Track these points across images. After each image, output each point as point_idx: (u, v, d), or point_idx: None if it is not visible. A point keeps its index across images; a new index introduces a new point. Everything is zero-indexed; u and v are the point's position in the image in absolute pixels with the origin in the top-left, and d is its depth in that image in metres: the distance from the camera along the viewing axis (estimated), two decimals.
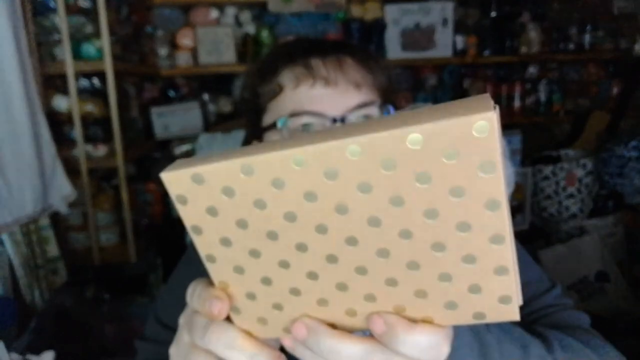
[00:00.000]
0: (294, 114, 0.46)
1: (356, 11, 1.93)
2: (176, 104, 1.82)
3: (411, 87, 2.13)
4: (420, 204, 0.19)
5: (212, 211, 0.22)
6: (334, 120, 0.46)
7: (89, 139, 1.35)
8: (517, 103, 2.16)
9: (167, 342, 0.31)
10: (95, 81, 1.40)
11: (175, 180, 0.21)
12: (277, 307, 0.25)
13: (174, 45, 1.84)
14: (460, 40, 2.02)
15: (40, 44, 1.26)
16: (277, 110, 0.49)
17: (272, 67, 0.50)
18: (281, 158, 0.19)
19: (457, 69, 2.13)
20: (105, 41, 1.29)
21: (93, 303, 1.27)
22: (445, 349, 0.24)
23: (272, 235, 0.22)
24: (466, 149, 0.17)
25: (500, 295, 0.22)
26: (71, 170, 1.26)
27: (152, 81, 1.86)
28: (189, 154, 1.68)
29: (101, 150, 1.38)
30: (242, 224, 0.22)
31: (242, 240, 0.22)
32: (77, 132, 1.31)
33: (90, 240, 1.37)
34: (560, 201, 1.75)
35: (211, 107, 1.91)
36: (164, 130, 1.77)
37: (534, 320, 0.48)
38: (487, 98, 0.18)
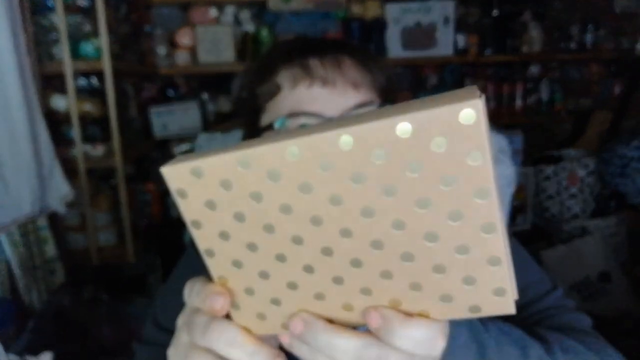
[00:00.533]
0: (291, 115, 0.46)
1: (356, 10, 1.92)
2: (175, 104, 1.81)
3: (412, 86, 2.12)
4: (412, 193, 0.20)
5: (210, 205, 0.22)
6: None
7: (87, 138, 1.35)
8: (518, 102, 2.15)
9: (165, 345, 0.30)
10: (94, 80, 1.39)
11: (175, 174, 0.22)
12: (275, 302, 0.25)
13: (173, 44, 1.83)
14: (461, 39, 2.01)
15: (38, 43, 1.25)
16: (274, 110, 0.48)
17: (269, 66, 0.49)
18: (276, 150, 0.20)
19: (458, 68, 2.12)
20: (103, 40, 1.29)
21: (91, 303, 1.27)
22: (440, 343, 0.24)
23: (269, 228, 0.22)
24: (454, 136, 0.18)
25: (495, 287, 0.22)
26: (69, 170, 1.25)
27: (151, 80, 1.85)
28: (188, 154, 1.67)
29: (99, 150, 1.37)
30: (239, 217, 0.22)
31: (239, 234, 0.23)
32: (76, 131, 1.30)
33: (89, 240, 1.37)
34: (562, 201, 1.74)
35: (210, 107, 1.91)
36: (162, 130, 1.76)
37: (535, 322, 0.47)
38: (473, 89, 0.19)
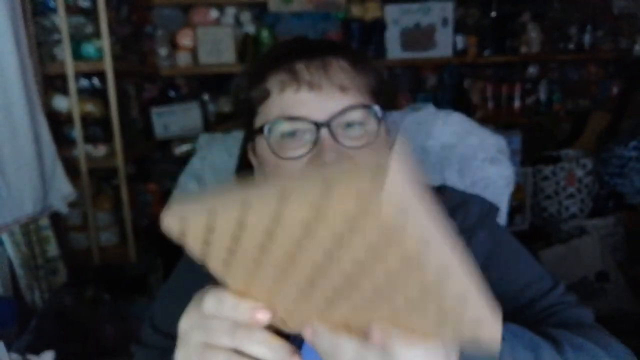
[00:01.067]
0: (279, 119, 0.47)
1: (356, 11, 1.93)
2: (176, 104, 1.82)
3: (411, 87, 2.13)
4: (352, 255, 0.21)
5: (206, 243, 0.26)
6: (319, 125, 0.46)
7: (89, 139, 1.35)
8: (517, 103, 2.16)
9: (163, 348, 0.32)
10: (95, 81, 1.39)
11: (171, 223, 0.25)
12: (287, 311, 0.29)
13: (174, 45, 1.83)
14: (460, 40, 2.02)
15: (40, 44, 1.26)
16: (265, 114, 0.49)
17: (260, 72, 0.50)
18: (236, 215, 0.23)
19: (457, 68, 2.13)
20: (105, 41, 1.29)
21: (93, 303, 1.27)
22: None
23: (257, 261, 0.25)
24: (370, 214, 0.19)
25: (471, 318, 0.24)
26: (71, 170, 1.26)
27: (152, 81, 1.86)
28: (189, 154, 1.68)
29: (101, 150, 1.38)
30: (231, 252, 0.25)
31: (236, 263, 0.26)
32: (77, 132, 1.31)
33: (90, 240, 1.37)
34: (560, 201, 1.75)
35: (211, 107, 1.91)
36: (164, 130, 1.77)
37: (540, 320, 0.48)
38: (394, 152, 0.19)
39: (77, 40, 1.30)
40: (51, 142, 1.16)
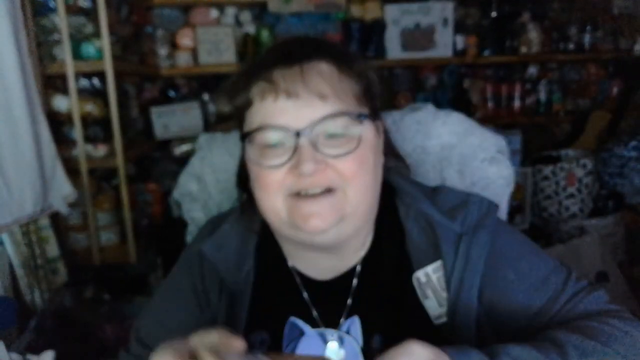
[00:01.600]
0: (259, 128, 0.47)
1: (356, 11, 1.93)
2: (176, 104, 1.82)
3: (411, 87, 2.13)
4: None
5: None
6: (297, 134, 0.45)
7: (89, 139, 1.35)
8: (517, 103, 2.16)
9: None
10: (95, 81, 1.40)
11: None
12: None
13: (174, 45, 1.84)
14: (460, 40, 2.02)
15: (40, 44, 1.26)
16: (249, 122, 0.50)
17: (243, 80, 0.50)
18: None
19: (457, 68, 2.13)
20: (105, 41, 1.29)
21: (93, 303, 1.27)
22: None
23: None
24: None
25: None
26: (71, 170, 1.26)
27: (152, 81, 1.86)
28: (188, 154, 1.68)
29: (101, 150, 1.38)
30: None
31: None
32: (77, 132, 1.31)
33: (90, 240, 1.37)
34: (560, 201, 1.75)
35: (211, 107, 1.91)
36: (164, 130, 1.77)
37: (565, 315, 0.49)
38: None
39: (77, 40, 1.31)
40: (51, 142, 1.16)
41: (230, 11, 1.87)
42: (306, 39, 0.53)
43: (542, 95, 2.19)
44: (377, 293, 0.52)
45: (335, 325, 0.52)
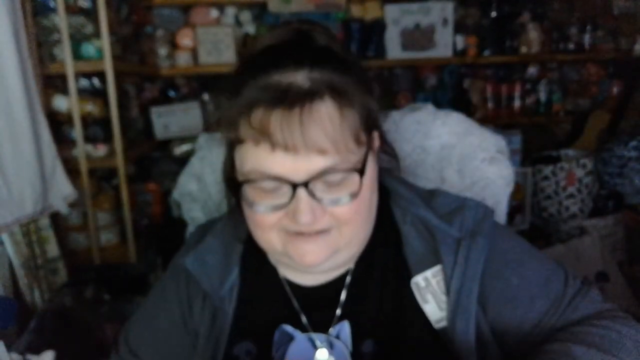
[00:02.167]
0: (254, 178, 0.44)
1: (356, 11, 1.93)
2: (176, 104, 1.82)
3: (411, 87, 2.13)
4: None
5: None
6: (295, 186, 0.43)
7: (89, 139, 1.35)
8: (517, 103, 2.16)
9: None
10: (95, 81, 1.40)
11: None
12: None
13: (174, 45, 1.84)
14: (460, 40, 2.02)
15: (40, 44, 1.26)
16: (240, 157, 0.46)
17: (231, 114, 0.45)
18: None
19: (457, 68, 2.13)
20: (105, 41, 1.29)
21: (93, 303, 1.27)
22: None
23: None
24: None
25: None
26: (71, 170, 1.26)
27: (152, 81, 1.86)
28: (188, 154, 1.68)
29: (101, 150, 1.38)
30: None
31: None
32: (77, 132, 1.31)
33: (90, 240, 1.37)
34: (560, 201, 1.75)
35: (211, 107, 1.91)
36: (164, 130, 1.77)
37: (567, 319, 0.49)
38: None
39: (77, 40, 1.31)
40: (51, 142, 1.16)
41: (230, 11, 1.87)
42: (300, 45, 0.47)
43: (542, 95, 2.19)
44: (369, 297, 0.52)
45: (325, 330, 0.52)
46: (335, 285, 0.53)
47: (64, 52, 1.26)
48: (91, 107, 1.35)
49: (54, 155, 1.17)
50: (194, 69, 1.84)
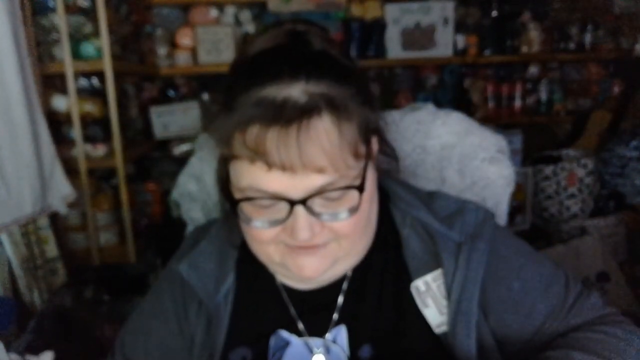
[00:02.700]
0: (253, 193, 0.43)
1: (356, 10, 1.93)
2: (175, 104, 1.82)
3: (411, 87, 2.12)
4: None
5: None
6: (293, 203, 0.42)
7: (88, 138, 1.35)
8: (517, 103, 2.16)
9: None
10: (95, 81, 1.39)
11: None
12: None
13: (173, 45, 1.83)
14: (460, 40, 2.02)
15: (39, 44, 1.26)
16: (235, 171, 0.45)
17: (225, 131, 0.43)
18: None
19: (458, 68, 2.13)
20: (104, 41, 1.29)
21: (92, 303, 1.27)
22: None
23: None
24: None
25: None
26: (70, 170, 1.26)
27: (151, 81, 1.86)
28: (188, 154, 1.68)
29: (100, 150, 1.38)
30: None
31: None
32: (76, 132, 1.31)
33: (90, 240, 1.37)
34: (561, 201, 1.75)
35: (211, 107, 1.91)
36: (163, 130, 1.77)
37: (569, 324, 0.49)
38: None
39: (76, 40, 1.30)
40: (50, 141, 1.16)
41: (230, 10, 1.87)
42: (295, 51, 0.45)
43: (543, 95, 2.19)
44: (367, 301, 0.51)
45: (322, 335, 0.51)
46: (333, 289, 0.52)
47: (63, 51, 1.26)
48: (90, 107, 1.35)
49: (53, 155, 1.17)
50: (193, 69, 1.84)
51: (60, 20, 1.24)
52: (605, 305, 0.51)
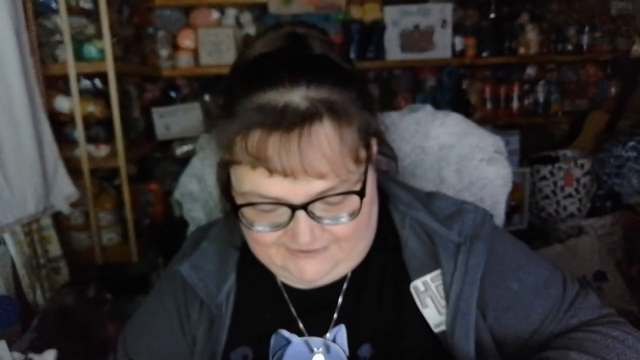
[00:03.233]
0: (254, 198, 0.44)
1: (356, 12, 1.94)
2: (177, 105, 1.83)
3: (410, 88, 2.14)
4: None
5: None
6: (294, 208, 0.43)
7: (90, 139, 1.36)
8: (515, 104, 2.17)
9: None
10: (97, 82, 1.40)
11: None
12: None
13: (175, 46, 1.84)
14: (459, 42, 2.03)
15: (42, 45, 1.26)
16: (236, 176, 0.45)
17: (226, 136, 0.43)
18: None
19: (456, 69, 2.14)
20: (106, 42, 1.30)
21: (95, 302, 1.28)
22: None
23: None
24: None
25: None
26: (73, 170, 1.26)
27: (153, 82, 1.86)
28: (189, 155, 1.69)
29: (103, 150, 1.38)
30: None
31: None
32: (79, 132, 1.32)
33: (92, 240, 1.38)
34: (558, 201, 1.76)
35: (212, 108, 1.92)
36: (165, 131, 1.77)
37: (567, 324, 0.50)
38: None
39: (78, 41, 1.31)
40: (53, 142, 1.17)
41: (231, 12, 1.88)
42: (295, 55, 0.45)
43: (541, 96, 2.20)
44: (367, 301, 0.52)
45: (322, 334, 0.52)
46: (333, 289, 0.52)
47: (66, 53, 1.26)
48: (93, 108, 1.36)
49: (55, 156, 1.17)
50: (195, 70, 1.85)
51: (62, 21, 1.25)
52: (603, 306, 0.52)
